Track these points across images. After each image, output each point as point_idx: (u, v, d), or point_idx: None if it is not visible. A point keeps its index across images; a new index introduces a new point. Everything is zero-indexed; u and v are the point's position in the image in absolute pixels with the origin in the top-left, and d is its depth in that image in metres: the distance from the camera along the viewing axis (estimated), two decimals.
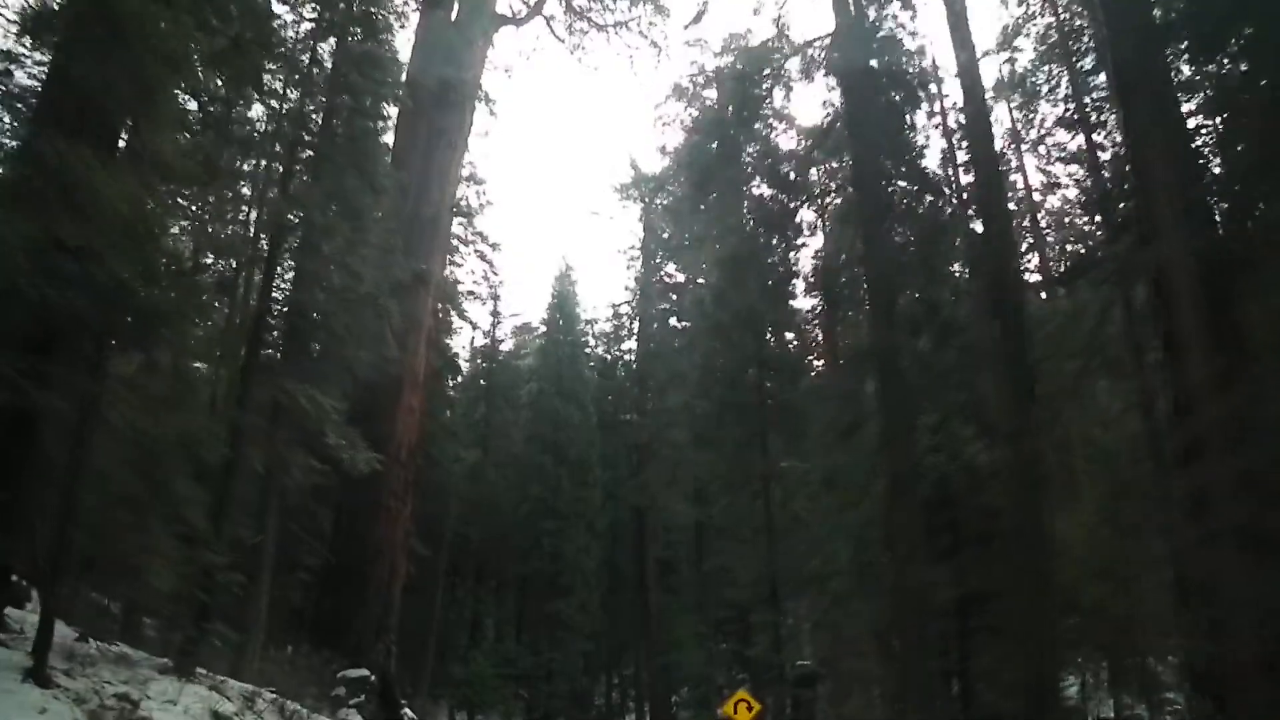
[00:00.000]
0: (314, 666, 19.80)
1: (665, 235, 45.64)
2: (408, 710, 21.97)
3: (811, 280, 27.45)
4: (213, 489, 13.08)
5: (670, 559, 42.90)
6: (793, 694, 21.60)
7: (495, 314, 47.31)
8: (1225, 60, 11.78)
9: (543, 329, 45.19)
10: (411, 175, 28.18)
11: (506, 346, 49.26)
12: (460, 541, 38.44)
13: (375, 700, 21.24)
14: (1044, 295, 24.95)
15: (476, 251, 43.11)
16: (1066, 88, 23.08)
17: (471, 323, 41.29)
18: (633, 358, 46.79)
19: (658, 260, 46.78)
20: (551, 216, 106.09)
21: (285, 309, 16.21)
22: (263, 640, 18.81)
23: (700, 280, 44.07)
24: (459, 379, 37.32)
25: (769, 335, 29.10)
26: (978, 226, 18.14)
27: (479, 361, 48.06)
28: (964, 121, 19.12)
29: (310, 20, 16.75)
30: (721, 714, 14.69)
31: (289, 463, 17.48)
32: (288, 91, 16.67)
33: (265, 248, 15.53)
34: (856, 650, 19.49)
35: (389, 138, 28.78)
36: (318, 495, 26.99)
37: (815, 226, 28.91)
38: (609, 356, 48.45)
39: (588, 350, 47.62)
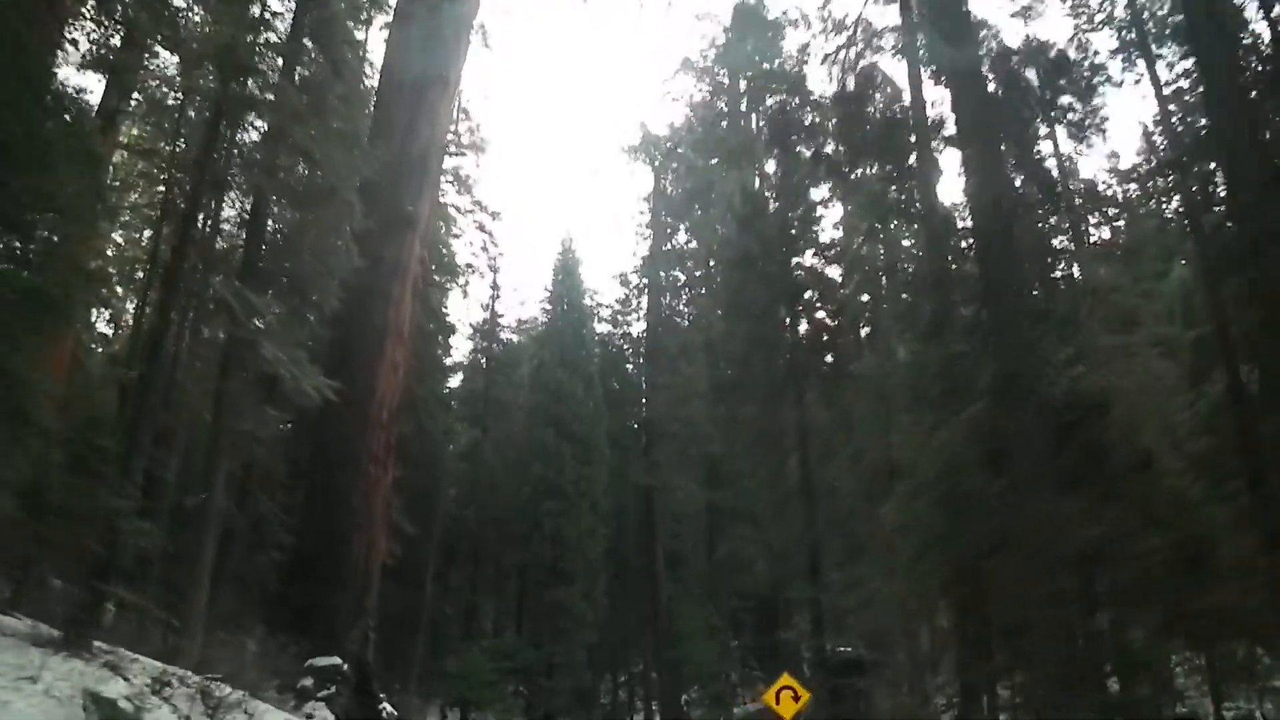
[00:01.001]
0: (277, 653, 17.34)
1: (676, 194, 42.85)
2: (387, 706, 19.24)
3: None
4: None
5: (678, 550, 40.18)
6: (834, 684, 18.79)
7: (495, 287, 45.20)
8: None
9: (546, 299, 42.38)
10: (401, 111, 25.80)
11: (507, 322, 46.62)
12: (456, 525, 35.83)
13: (349, 693, 18.59)
14: None
15: (475, 222, 40.74)
16: None
17: (465, 289, 38.52)
18: (641, 332, 43.83)
19: (668, 228, 44.06)
20: (554, 185, 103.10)
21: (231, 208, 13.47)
22: (208, 619, 16.20)
23: (714, 250, 41.98)
24: (453, 344, 34.45)
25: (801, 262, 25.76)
26: None
27: (477, 338, 45.65)
28: None
29: None
30: (761, 704, 11.98)
31: (240, 407, 14.74)
32: None
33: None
34: (919, 628, 16.62)
35: (376, 82, 26.61)
36: (289, 459, 24.46)
37: None
38: (616, 331, 45.63)
39: (594, 323, 44.74)
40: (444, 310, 31.02)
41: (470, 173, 39.55)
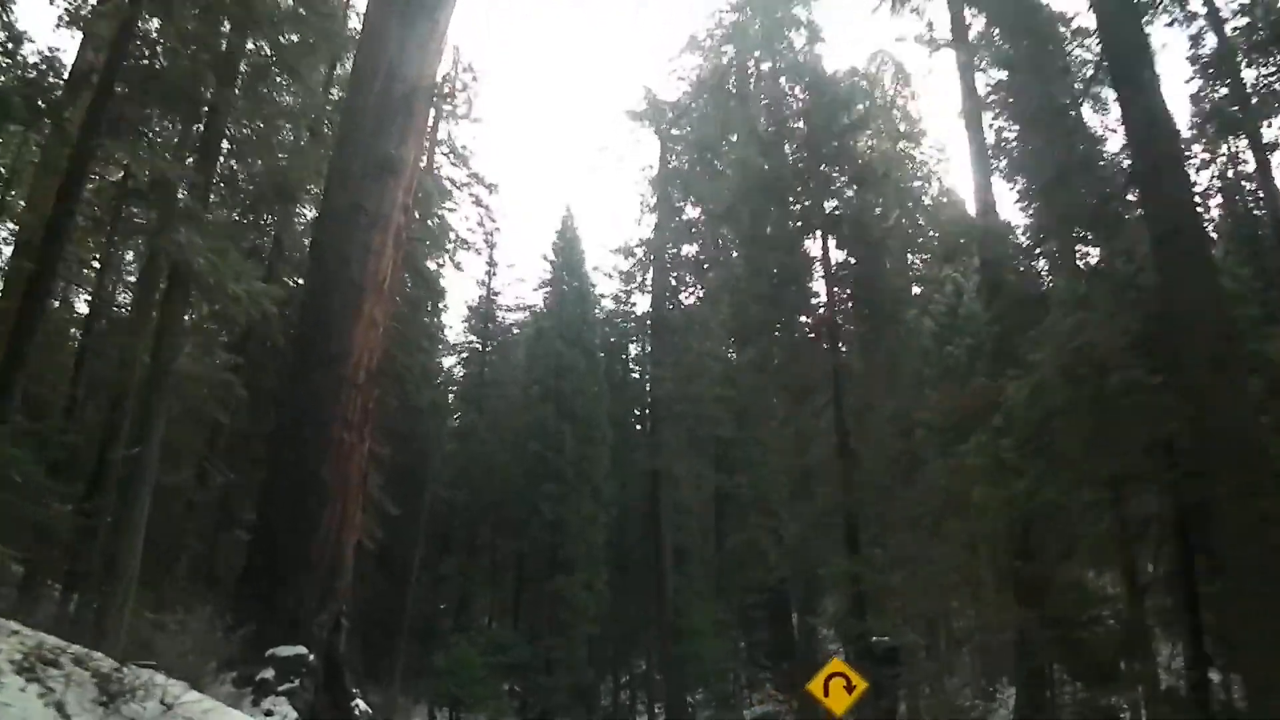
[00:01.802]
0: (237, 641, 15.24)
1: (683, 164, 40.74)
2: (361, 703, 17.10)
3: None
4: None
5: (685, 540, 37.97)
6: (877, 675, 16.62)
7: (491, 263, 43.33)
8: None
9: (546, 269, 40.21)
10: (385, 48, 23.68)
11: (505, 301, 44.60)
12: (448, 510, 33.71)
13: (315, 687, 16.45)
14: None
15: (471, 195, 38.83)
16: None
17: (457, 263, 36.35)
18: (646, 310, 41.65)
19: (675, 198, 41.81)
20: (554, 159, 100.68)
21: None
22: (164, 600, 14.33)
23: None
24: (444, 311, 32.21)
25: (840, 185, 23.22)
26: None
27: (473, 320, 43.63)
28: None
29: None
30: (806, 692, 9.89)
31: (179, 343, 12.57)
32: None
33: None
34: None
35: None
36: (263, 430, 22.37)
37: None
38: (619, 309, 43.41)
39: (596, 297, 42.59)
40: (435, 273, 28.76)
41: (467, 144, 38.21)
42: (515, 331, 45.47)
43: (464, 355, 43.89)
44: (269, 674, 16.03)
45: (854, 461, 20.02)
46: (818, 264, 22.68)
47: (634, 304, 44.10)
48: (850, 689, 9.06)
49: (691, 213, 43.04)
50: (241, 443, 22.52)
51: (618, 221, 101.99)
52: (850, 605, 19.31)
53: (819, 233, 22.57)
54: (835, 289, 22.29)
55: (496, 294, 44.30)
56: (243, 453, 22.63)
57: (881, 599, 18.30)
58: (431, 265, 31.61)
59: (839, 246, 22.68)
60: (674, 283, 40.92)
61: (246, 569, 18.70)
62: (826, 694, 9.06)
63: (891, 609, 17.93)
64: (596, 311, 41.85)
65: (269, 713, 15.53)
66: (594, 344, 37.84)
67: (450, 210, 37.40)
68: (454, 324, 44.73)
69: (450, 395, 40.76)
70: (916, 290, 27.68)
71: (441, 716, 29.80)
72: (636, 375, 44.66)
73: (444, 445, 33.48)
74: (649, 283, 41.09)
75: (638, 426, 42.18)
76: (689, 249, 42.94)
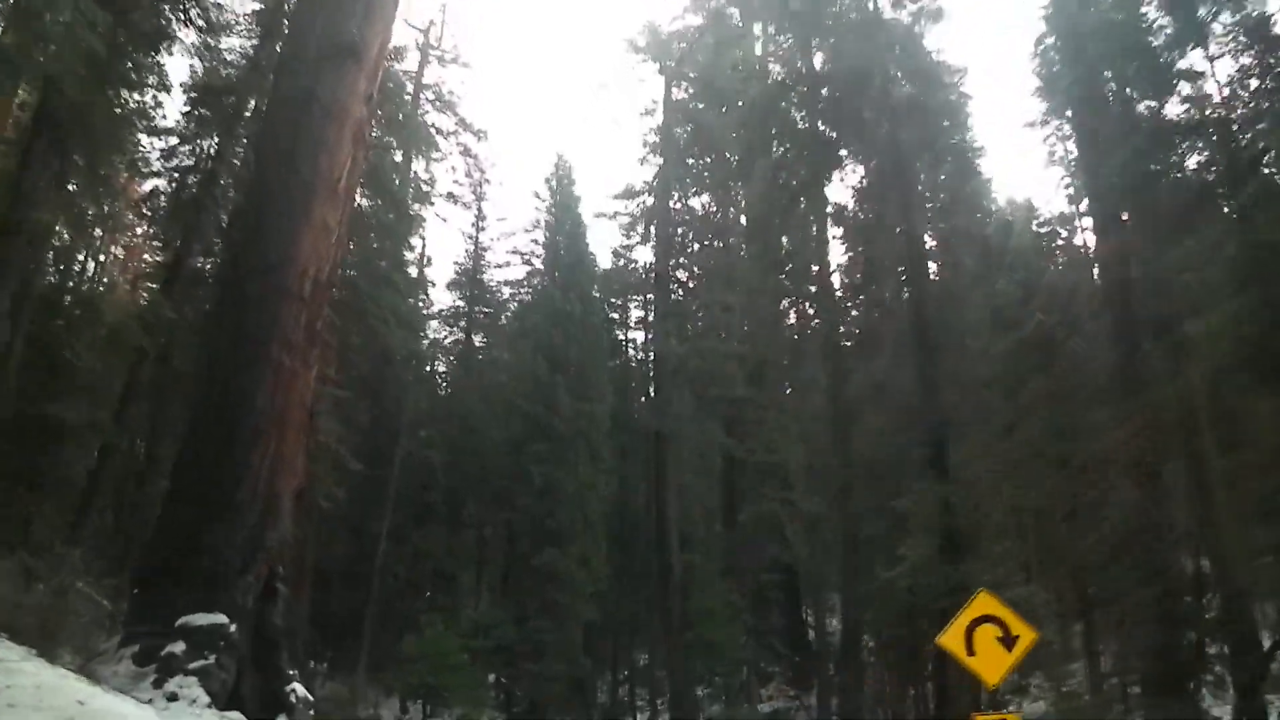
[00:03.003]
0: (144, 608, 13.01)
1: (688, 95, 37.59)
2: (298, 687, 13.80)
3: None
4: None
5: (690, 519, 34.71)
6: None
7: (480, 216, 40.40)
8: None
9: (539, 210, 36.94)
10: None
11: (494, 258, 41.57)
12: (426, 474, 30.36)
13: (239, 665, 13.20)
14: None
15: (459, 144, 36.22)
16: None
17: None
18: (649, 262, 38.31)
19: (681, 140, 38.41)
20: (546, 105, 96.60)
21: None
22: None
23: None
24: (420, 234, 28.79)
25: None
26: None
27: (459, 274, 41.48)
28: None
29: None
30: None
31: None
32: None
33: None
34: None
35: None
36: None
37: None
38: (620, 264, 40.16)
39: (592, 258, 39.28)
40: (404, 197, 25.30)
41: (454, 89, 35.59)
42: (505, 291, 42.33)
43: (448, 314, 41.05)
44: (177, 647, 12.89)
45: (933, 354, 16.50)
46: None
47: (635, 260, 41.22)
48: (1009, 641, 5.81)
49: (698, 161, 40.32)
50: (173, 382, 19.27)
51: (616, 176, 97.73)
52: (941, 544, 15.58)
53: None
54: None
55: (485, 249, 41.38)
56: (176, 393, 19.38)
57: (979, 538, 14.88)
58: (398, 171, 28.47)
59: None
60: (680, 234, 37.66)
61: (161, 519, 15.64)
62: (971, 651, 5.82)
63: (995, 553, 14.45)
64: (595, 268, 38.56)
65: (172, 696, 12.42)
66: (591, 290, 34.43)
67: (436, 160, 34.85)
68: (438, 281, 42.46)
69: (426, 340, 37.96)
70: None
71: (416, 710, 26.55)
72: (639, 339, 41.55)
73: (419, 398, 30.18)
74: (652, 233, 37.73)
75: (641, 397, 39.11)
76: (698, 200, 40.11)
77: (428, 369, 39.66)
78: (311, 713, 14.04)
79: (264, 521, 14.39)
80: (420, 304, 34.43)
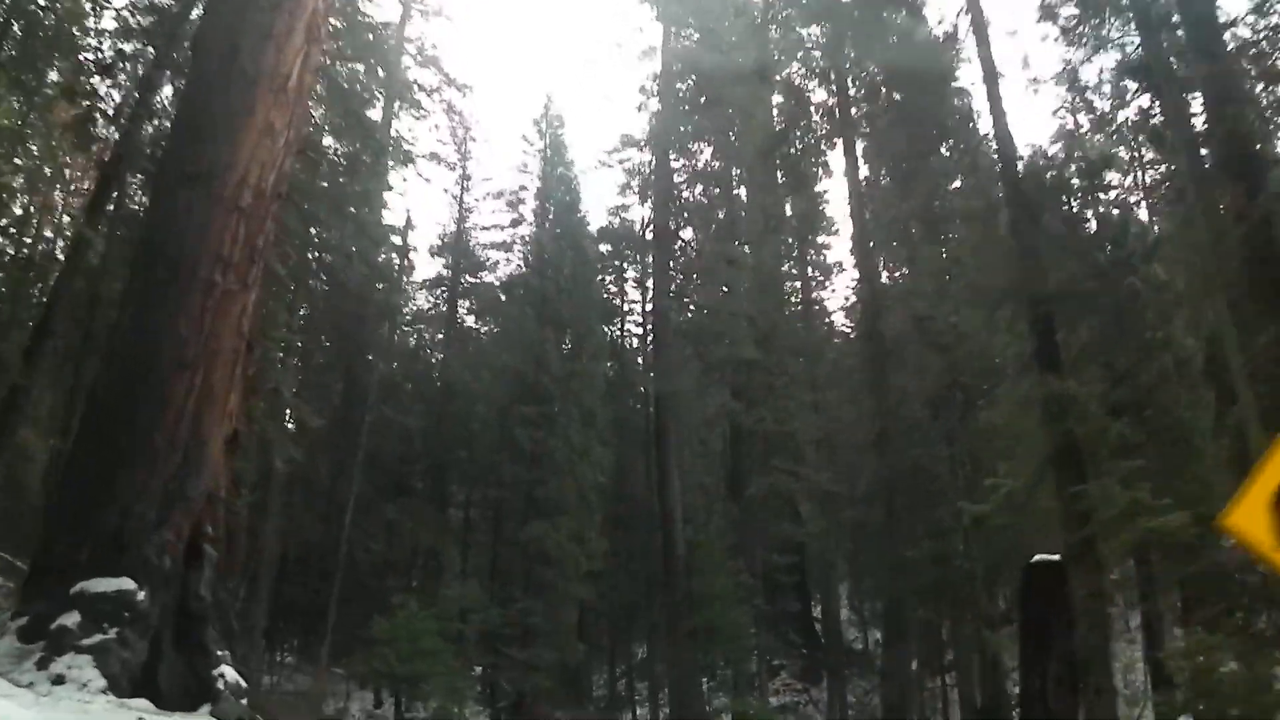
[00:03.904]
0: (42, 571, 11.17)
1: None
2: (228, 671, 11.45)
3: None
4: None
5: (694, 493, 32.45)
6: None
7: (465, 177, 38.41)
8: None
9: (526, 153, 34.47)
10: None
11: (480, 221, 39.23)
12: (402, 442, 28.08)
13: (151, 641, 10.93)
14: None
15: (443, 102, 34.45)
16: None
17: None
18: (646, 216, 35.94)
19: (680, 87, 36.05)
20: (536, 58, 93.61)
21: None
22: None
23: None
24: (391, 167, 26.22)
25: None
26: None
27: (442, 239, 38.92)
28: None
29: None
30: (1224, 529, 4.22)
31: None
32: None
33: None
34: None
35: None
36: None
37: None
38: (616, 222, 37.81)
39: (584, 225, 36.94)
40: (368, 123, 22.77)
41: (437, 43, 33.53)
42: (493, 255, 40.02)
43: (432, 282, 38.83)
44: (70, 619, 10.63)
45: (1037, 216, 13.85)
46: None
47: (631, 220, 38.86)
48: None
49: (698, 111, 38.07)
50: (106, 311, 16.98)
51: (611, 134, 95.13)
52: (1055, 459, 12.75)
53: None
54: None
55: (469, 210, 39.07)
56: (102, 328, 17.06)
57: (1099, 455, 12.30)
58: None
59: None
60: (680, 186, 35.31)
61: (66, 467, 13.50)
62: None
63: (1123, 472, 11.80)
64: (587, 222, 36.30)
65: (58, 679, 10.32)
66: (584, 238, 32.01)
67: (419, 118, 32.73)
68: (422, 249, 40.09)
69: (409, 311, 35.83)
70: None
71: (397, 703, 24.17)
72: (637, 309, 39.14)
73: (399, 362, 27.80)
74: (650, 181, 35.37)
75: (638, 359, 36.82)
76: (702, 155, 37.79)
77: (412, 340, 37.61)
78: (245, 701, 11.74)
79: (186, 469, 12.05)
80: (396, 262, 32.29)
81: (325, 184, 21.33)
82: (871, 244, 24.96)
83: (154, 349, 12.49)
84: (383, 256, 25.53)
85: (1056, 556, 11.46)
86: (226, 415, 13.13)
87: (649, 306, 37.50)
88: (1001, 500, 12.60)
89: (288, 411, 19.81)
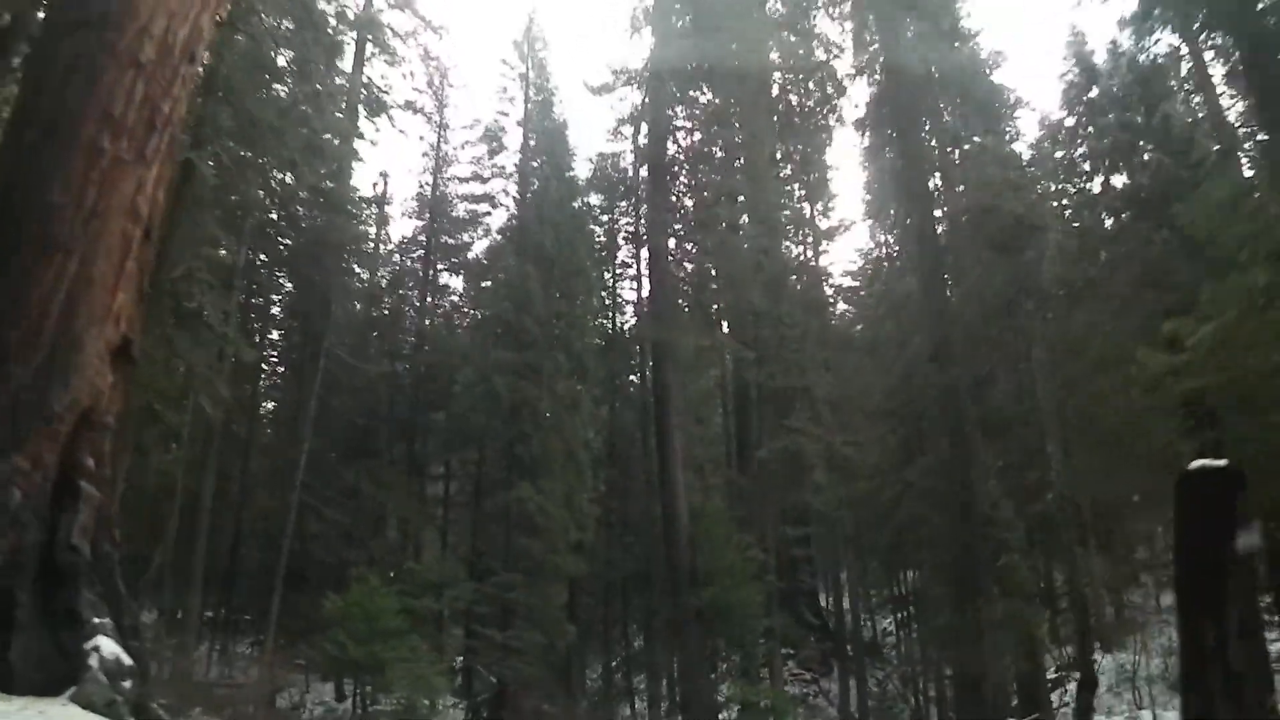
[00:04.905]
0: None
1: None
2: (104, 643, 8.57)
3: None
4: None
5: (695, 456, 29.96)
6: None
7: (442, 125, 36.69)
8: None
9: (505, 77, 31.69)
10: None
11: (458, 171, 36.71)
12: (371, 399, 25.50)
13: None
14: None
15: (419, 47, 31.72)
16: None
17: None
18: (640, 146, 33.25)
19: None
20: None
21: None
22: None
23: None
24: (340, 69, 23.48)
25: None
26: None
27: (420, 188, 37.21)
28: None
29: None
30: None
31: None
32: None
33: None
34: None
35: None
36: None
37: None
38: (605, 163, 35.28)
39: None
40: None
41: None
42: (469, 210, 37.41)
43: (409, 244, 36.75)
44: None
45: None
46: None
47: (624, 166, 36.22)
48: None
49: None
50: None
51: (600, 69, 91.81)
52: None
53: None
54: None
55: (447, 160, 36.65)
56: None
57: None
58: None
59: None
60: (675, 118, 32.69)
61: None
62: None
63: None
64: (573, 153, 33.79)
65: None
66: (570, 169, 29.35)
67: (393, 65, 30.17)
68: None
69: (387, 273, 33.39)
70: None
71: (367, 695, 21.46)
72: (631, 263, 36.53)
73: (353, 293, 25.05)
74: (644, 116, 32.71)
75: (634, 318, 34.44)
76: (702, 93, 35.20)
77: (386, 299, 35.23)
78: (128, 683, 9.10)
79: (50, 375, 9.33)
80: (359, 193, 29.86)
81: (273, 85, 18.65)
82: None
83: (17, 222, 9.80)
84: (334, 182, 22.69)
85: (1224, 462, 8.66)
86: (112, 317, 10.35)
87: (644, 257, 35.16)
88: (1213, 339, 9.29)
89: (222, 351, 17.25)
